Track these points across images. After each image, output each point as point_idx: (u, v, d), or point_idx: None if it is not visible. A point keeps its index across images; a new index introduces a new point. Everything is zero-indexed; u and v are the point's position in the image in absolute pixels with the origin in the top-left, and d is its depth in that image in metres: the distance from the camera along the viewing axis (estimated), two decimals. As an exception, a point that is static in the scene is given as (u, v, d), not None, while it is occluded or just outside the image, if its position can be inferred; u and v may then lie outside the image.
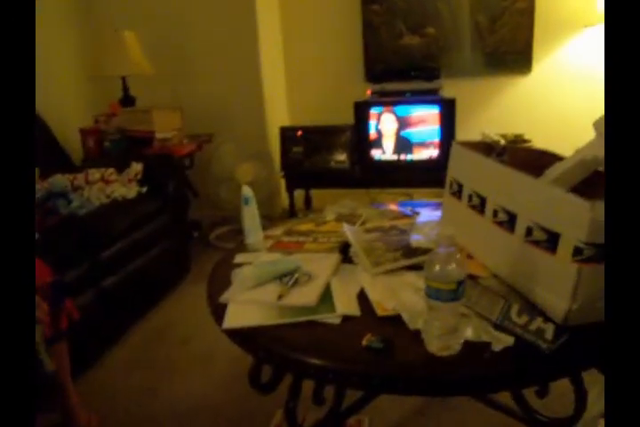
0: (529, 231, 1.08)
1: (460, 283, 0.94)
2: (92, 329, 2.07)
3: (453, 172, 1.38)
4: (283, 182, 3.56)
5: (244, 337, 1.11)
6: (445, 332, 0.96)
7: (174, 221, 2.86)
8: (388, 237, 1.47)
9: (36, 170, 2.51)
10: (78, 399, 1.79)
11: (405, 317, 1.07)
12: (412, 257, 1.32)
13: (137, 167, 2.75)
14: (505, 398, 1.65)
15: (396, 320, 1.08)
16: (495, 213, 1.19)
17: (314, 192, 3.72)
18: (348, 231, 1.49)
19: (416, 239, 1.41)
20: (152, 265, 2.59)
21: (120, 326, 2.37)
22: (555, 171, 1.24)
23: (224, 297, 1.23)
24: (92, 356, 2.15)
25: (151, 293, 2.65)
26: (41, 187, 2.39)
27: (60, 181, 2.48)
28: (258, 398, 1.84)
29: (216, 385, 2.02)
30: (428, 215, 1.66)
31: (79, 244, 2.15)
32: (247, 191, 1.48)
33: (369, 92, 3.34)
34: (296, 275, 1.28)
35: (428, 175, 3.02)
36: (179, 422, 1.82)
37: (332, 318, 1.12)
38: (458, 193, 1.35)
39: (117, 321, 2.35)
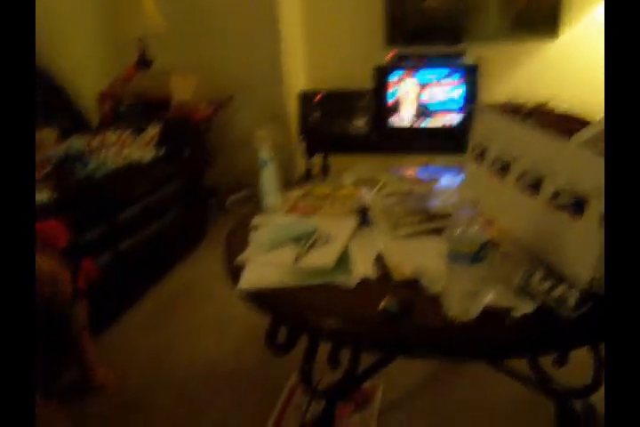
0: (554, 196, 1.05)
1: (482, 246, 0.92)
2: (109, 291, 2.09)
3: (477, 135, 1.34)
4: (300, 147, 3.52)
5: (260, 299, 1.10)
6: (465, 296, 0.94)
7: (190, 185, 2.85)
8: (406, 201, 1.44)
9: (55, 132, 2.50)
10: (96, 357, 1.82)
11: (424, 280, 1.05)
12: (432, 221, 1.29)
13: (153, 131, 2.73)
14: (522, 366, 1.64)
15: (412, 285, 1.06)
16: (520, 178, 1.15)
17: (331, 158, 3.68)
18: (367, 195, 1.47)
19: (436, 204, 1.38)
20: (168, 229, 2.60)
21: (136, 289, 2.39)
22: (583, 135, 1.20)
23: (240, 259, 1.22)
24: (109, 317, 2.18)
25: (167, 257, 2.66)
26: (59, 149, 2.39)
27: (78, 143, 2.47)
28: (273, 362, 1.86)
29: (231, 348, 2.03)
30: (447, 181, 1.63)
31: (96, 206, 2.15)
32: (266, 153, 1.45)
33: (389, 56, 3.25)
34: (313, 237, 1.26)
35: (448, 142, 2.96)
36: (194, 383, 1.84)
37: (349, 282, 1.11)
38: (480, 157, 1.32)
39: (134, 284, 2.37)
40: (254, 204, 1.52)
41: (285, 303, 1.07)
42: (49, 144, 2.41)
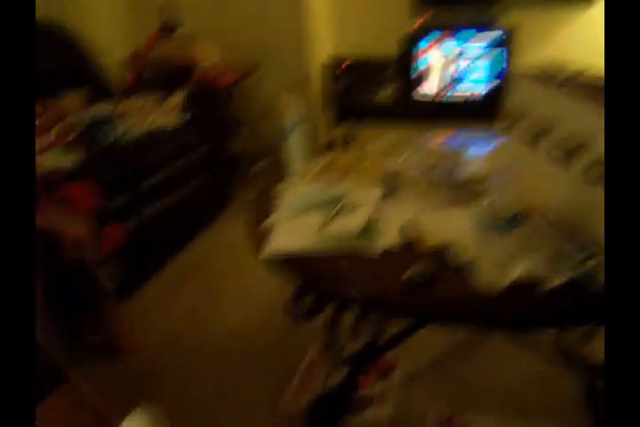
0: (588, 167, 1.02)
1: (513, 216, 0.90)
2: (132, 258, 2.11)
3: (510, 104, 1.30)
4: (325, 117, 3.47)
5: (285, 265, 1.10)
6: (496, 266, 0.92)
7: (214, 153, 2.84)
8: (434, 171, 1.41)
9: (81, 98, 2.50)
10: (121, 323, 1.85)
11: (452, 250, 1.03)
12: (461, 191, 1.27)
13: (178, 97, 2.71)
14: (545, 343, 1.63)
15: (439, 255, 1.05)
16: (553, 148, 1.12)
17: (357, 128, 3.63)
18: (393, 165, 1.44)
19: (464, 174, 1.35)
20: (192, 197, 2.60)
21: (160, 256, 2.41)
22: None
23: (265, 225, 1.21)
24: (133, 283, 2.20)
25: (191, 224, 2.67)
26: (84, 115, 2.39)
27: (103, 109, 2.46)
28: (294, 331, 1.89)
29: (253, 317, 2.05)
30: (476, 150, 1.59)
31: (121, 172, 2.15)
32: (292, 119, 1.43)
33: (418, 23, 3.16)
34: (339, 205, 1.25)
35: (478, 111, 2.90)
36: (216, 351, 1.87)
37: (374, 250, 1.10)
38: (513, 126, 1.28)
39: (158, 251, 2.39)
40: (279, 172, 1.51)
41: (310, 270, 1.07)
42: (74, 110, 2.42)
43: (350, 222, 1.18)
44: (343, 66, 3.28)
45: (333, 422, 1.49)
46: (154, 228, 2.29)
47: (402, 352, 1.72)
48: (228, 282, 2.30)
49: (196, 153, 2.67)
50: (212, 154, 2.81)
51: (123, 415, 1.15)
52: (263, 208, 1.30)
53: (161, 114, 2.62)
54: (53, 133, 2.17)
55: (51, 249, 1.46)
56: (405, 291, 0.95)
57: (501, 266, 0.92)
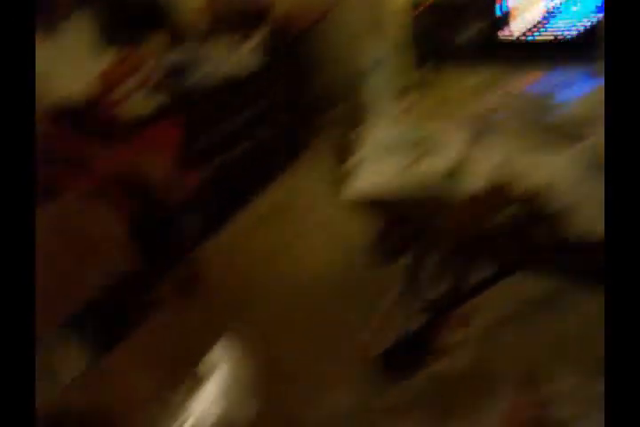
0: None
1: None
2: (211, 202, 2.14)
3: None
4: (405, 58, 3.32)
5: (367, 207, 1.07)
6: (598, 212, 0.85)
7: (291, 97, 2.81)
8: (525, 113, 1.33)
9: (163, 42, 2.51)
10: (202, 264, 1.89)
11: (547, 194, 0.97)
12: (555, 133, 1.18)
13: (255, 40, 2.67)
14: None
15: (530, 200, 0.99)
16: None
17: (441, 68, 3.43)
18: (479, 107, 1.37)
19: (560, 115, 1.26)
20: (268, 142, 2.60)
21: (238, 202, 2.44)
22: None
23: (350, 165, 1.18)
24: (214, 225, 2.24)
25: (268, 170, 2.68)
26: (166, 58, 2.40)
27: (183, 53, 2.46)
28: (374, 276, 1.83)
29: (333, 260, 2.04)
30: (571, 92, 1.48)
31: (200, 116, 2.17)
32: (371, 62, 1.37)
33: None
34: (424, 147, 1.20)
35: (571, 51, 2.68)
36: (294, 292, 1.89)
37: (461, 193, 1.05)
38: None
39: (235, 196, 2.42)
40: (357, 117, 1.46)
41: (394, 212, 1.04)
42: (156, 55, 2.43)
43: (436, 164, 1.13)
44: (424, 5, 3.10)
45: (409, 368, 1.49)
46: (232, 171, 2.31)
47: (484, 302, 1.68)
48: (307, 226, 2.30)
49: (273, 97, 2.64)
50: (289, 98, 2.77)
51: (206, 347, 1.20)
52: (344, 151, 1.27)
53: (239, 57, 2.59)
54: (136, 78, 2.20)
55: (136, 191, 1.50)
56: (496, 234, 0.91)
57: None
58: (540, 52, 2.97)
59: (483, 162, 1.15)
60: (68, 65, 1.50)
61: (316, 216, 2.34)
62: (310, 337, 1.69)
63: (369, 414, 1.41)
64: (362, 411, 1.42)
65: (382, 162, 1.17)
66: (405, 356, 1.51)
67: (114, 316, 1.21)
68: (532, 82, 1.60)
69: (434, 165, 1.13)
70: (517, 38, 2.97)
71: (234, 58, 2.59)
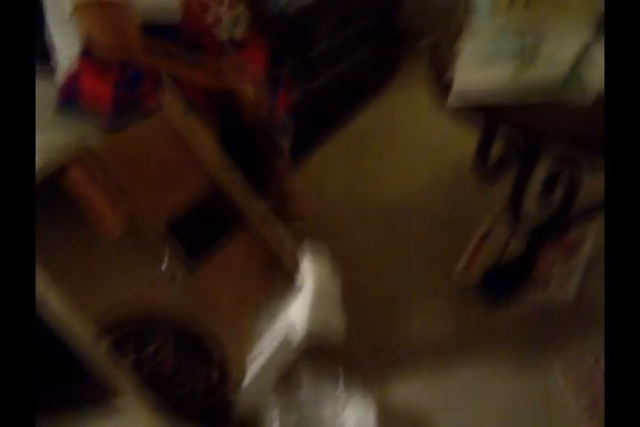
0: None
1: None
2: (302, 126, 2.10)
3: None
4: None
5: (470, 116, 0.97)
6: None
7: (381, 23, 2.65)
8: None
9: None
10: (292, 188, 1.88)
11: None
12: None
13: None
14: None
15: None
16: None
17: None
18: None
19: None
20: (359, 67, 2.49)
21: (329, 126, 2.38)
22: None
23: (449, 75, 1.07)
24: (302, 152, 2.21)
25: (359, 95, 2.58)
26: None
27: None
28: (462, 204, 1.81)
29: (421, 188, 1.98)
30: None
31: (288, 42, 2.09)
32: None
33: None
34: (537, 50, 1.06)
35: None
36: (384, 220, 1.84)
37: (581, 99, 0.92)
38: None
39: (327, 121, 2.36)
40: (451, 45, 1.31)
41: (500, 120, 0.94)
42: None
43: (553, 68, 1.00)
44: None
45: (507, 296, 1.41)
46: (323, 96, 2.24)
47: (592, 231, 1.55)
48: (400, 151, 2.22)
49: (362, 23, 2.51)
50: (379, 24, 2.63)
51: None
52: (445, 57, 1.15)
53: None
54: (225, 5, 2.14)
55: (230, 109, 1.47)
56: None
57: None
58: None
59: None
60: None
61: (408, 142, 2.26)
62: (403, 263, 1.65)
63: (463, 339, 1.36)
64: (455, 337, 1.37)
65: (488, 67, 1.05)
66: (503, 283, 1.42)
67: (204, 230, 1.21)
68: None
69: (551, 69, 0.99)
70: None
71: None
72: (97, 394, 1.20)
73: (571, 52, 1.02)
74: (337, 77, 2.31)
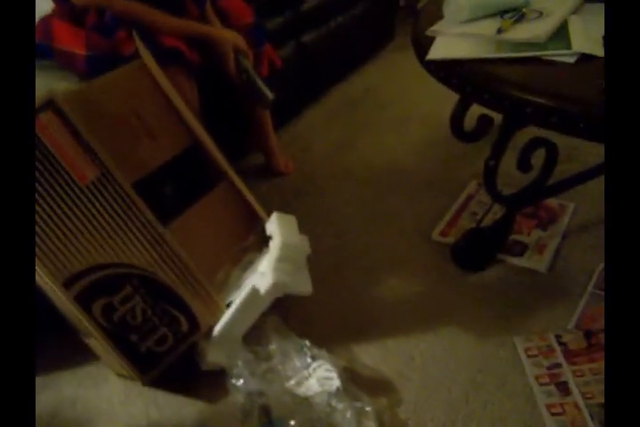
0: None
1: None
2: (291, 84, 2.07)
3: None
4: None
5: (451, 72, 0.97)
6: None
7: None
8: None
9: None
10: (278, 145, 1.88)
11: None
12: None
13: None
14: None
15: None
16: None
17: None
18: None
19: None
20: (354, 25, 2.42)
21: (319, 86, 2.36)
22: None
23: (432, 29, 1.07)
24: (291, 111, 2.21)
25: (352, 56, 2.53)
26: None
27: None
28: (453, 166, 1.82)
29: (410, 149, 1.98)
30: None
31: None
32: None
33: None
34: (523, 10, 1.06)
35: None
36: (371, 179, 1.85)
37: (565, 57, 0.92)
38: None
39: (318, 80, 2.32)
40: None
41: (481, 77, 0.93)
42: None
43: (537, 27, 0.99)
44: None
45: (481, 260, 1.43)
46: (315, 54, 2.19)
47: (572, 206, 1.57)
48: (389, 113, 2.22)
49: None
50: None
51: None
52: (432, 13, 1.14)
53: None
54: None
55: (212, 57, 1.45)
56: (598, 103, 0.78)
57: None
58: None
59: (594, 27, 0.99)
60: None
61: (398, 105, 2.25)
62: (384, 222, 1.66)
63: (436, 300, 1.39)
64: (429, 298, 1.40)
65: (471, 25, 1.04)
66: (479, 247, 1.44)
67: (181, 183, 1.21)
68: None
69: (535, 29, 0.99)
70: None
71: None
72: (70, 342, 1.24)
73: (557, 16, 1.01)
74: (330, 34, 2.26)
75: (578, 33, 0.97)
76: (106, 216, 1.10)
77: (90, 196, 1.08)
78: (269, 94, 1.50)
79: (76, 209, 1.06)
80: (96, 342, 1.16)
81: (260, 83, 1.49)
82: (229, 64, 1.46)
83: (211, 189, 1.28)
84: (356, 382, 1.19)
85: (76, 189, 1.06)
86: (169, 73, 1.24)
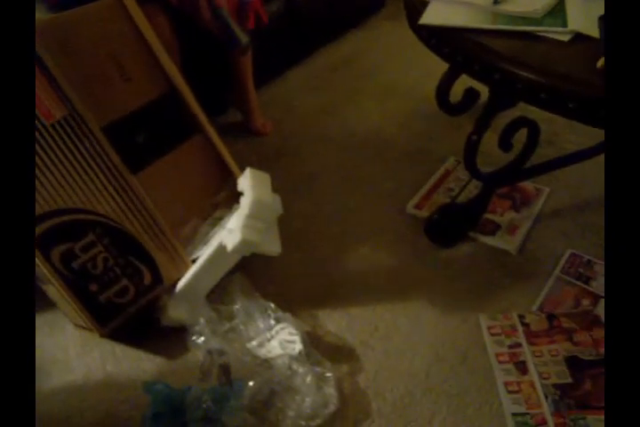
0: None
1: None
2: (277, 43, 2.04)
3: None
4: None
5: (442, 40, 0.97)
6: None
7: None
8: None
9: None
10: (257, 104, 1.87)
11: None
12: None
13: None
14: None
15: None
16: None
17: None
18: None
19: None
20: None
21: (305, 48, 2.34)
22: None
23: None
24: (275, 71, 2.19)
25: (341, 19, 2.50)
26: None
27: None
28: (432, 140, 1.83)
29: (393, 120, 1.98)
30: None
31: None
32: None
33: None
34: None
35: None
36: (350, 146, 1.85)
37: (560, 34, 0.93)
38: None
39: (303, 41, 2.29)
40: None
41: (473, 47, 0.93)
42: None
43: (534, 2, 0.99)
44: None
45: (453, 236, 1.46)
46: (304, 12, 2.16)
47: (547, 190, 1.60)
48: (375, 81, 2.22)
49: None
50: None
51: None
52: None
53: None
54: None
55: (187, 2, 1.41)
56: (595, 81, 0.80)
57: None
58: None
59: (592, 7, 0.99)
60: None
61: (382, 73, 2.24)
62: (361, 188, 1.68)
63: (405, 272, 1.41)
64: (399, 269, 1.42)
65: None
66: (452, 223, 1.46)
67: (154, 130, 1.19)
68: None
69: (529, 3, 0.99)
70: None
71: None
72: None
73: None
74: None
75: (575, 11, 0.97)
76: (70, 158, 1.08)
77: (55, 135, 1.06)
78: (243, 38, 1.48)
79: (38, 148, 1.04)
80: (54, 290, 1.15)
81: (234, 26, 1.46)
82: (202, 3, 1.43)
83: (185, 141, 1.26)
84: (318, 347, 1.22)
85: (39, 126, 1.04)
86: (147, 11, 1.20)
